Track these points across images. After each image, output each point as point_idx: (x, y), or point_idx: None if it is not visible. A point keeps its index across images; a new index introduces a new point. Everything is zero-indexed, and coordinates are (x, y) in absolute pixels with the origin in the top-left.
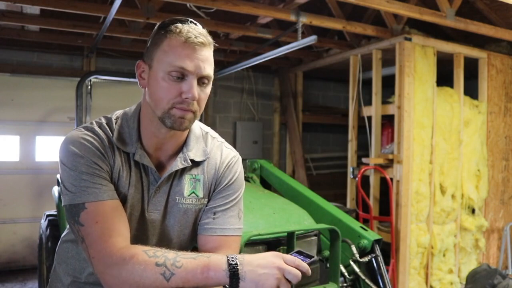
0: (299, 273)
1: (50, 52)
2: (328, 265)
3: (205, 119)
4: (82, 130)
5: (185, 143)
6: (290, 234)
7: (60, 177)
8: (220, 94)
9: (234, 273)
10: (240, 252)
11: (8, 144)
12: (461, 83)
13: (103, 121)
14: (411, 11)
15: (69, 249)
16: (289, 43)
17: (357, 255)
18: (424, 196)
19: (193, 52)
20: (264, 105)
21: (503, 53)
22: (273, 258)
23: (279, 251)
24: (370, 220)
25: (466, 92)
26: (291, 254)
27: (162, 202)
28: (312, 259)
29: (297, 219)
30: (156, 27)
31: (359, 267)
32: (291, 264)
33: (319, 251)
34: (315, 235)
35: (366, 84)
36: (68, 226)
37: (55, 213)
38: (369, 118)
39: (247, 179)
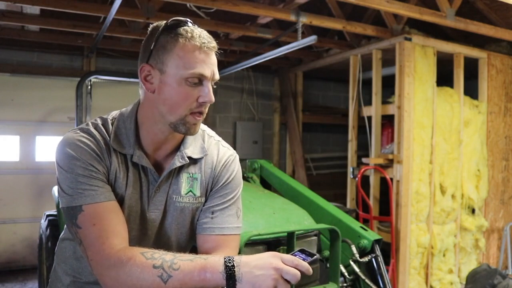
0: (298, 273)
1: (50, 52)
2: (328, 265)
3: (205, 119)
4: (78, 132)
5: (182, 141)
6: (290, 234)
7: (57, 179)
8: (220, 94)
9: (230, 275)
10: (240, 252)
11: (8, 144)
12: (461, 83)
13: (99, 122)
14: (411, 11)
15: (67, 248)
16: (289, 43)
17: (357, 255)
18: (424, 196)
19: (207, 57)
20: (264, 105)
21: (503, 53)
22: (270, 259)
23: (279, 251)
24: (370, 220)
25: (466, 92)
26: (293, 253)
27: (162, 201)
28: (313, 257)
29: (297, 219)
30: (159, 29)
31: (359, 267)
32: (290, 264)
33: (319, 251)
34: (315, 235)
35: (366, 84)
36: (65, 226)
37: (55, 213)
38: (369, 118)
39: (247, 179)
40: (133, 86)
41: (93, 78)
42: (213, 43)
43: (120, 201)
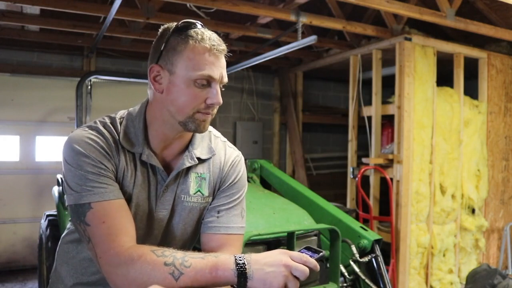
0: (307, 270)
1: (50, 52)
2: (328, 265)
3: None
4: (87, 129)
5: (190, 141)
6: (290, 234)
7: (64, 176)
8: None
9: (242, 272)
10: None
11: (8, 144)
12: (461, 83)
13: (107, 120)
14: (411, 11)
15: (70, 249)
16: (289, 43)
17: (357, 255)
18: (424, 196)
19: (216, 60)
20: (264, 105)
21: (503, 53)
22: (280, 256)
23: None
24: (370, 220)
25: (466, 92)
26: (299, 251)
27: (170, 200)
28: (320, 254)
29: (297, 219)
30: (170, 30)
31: (359, 267)
32: (298, 260)
33: None
34: (315, 235)
35: (366, 84)
36: (68, 226)
37: (55, 213)
38: (369, 118)
39: (247, 179)
40: (133, 86)
41: (93, 78)
42: (223, 46)
43: (128, 199)
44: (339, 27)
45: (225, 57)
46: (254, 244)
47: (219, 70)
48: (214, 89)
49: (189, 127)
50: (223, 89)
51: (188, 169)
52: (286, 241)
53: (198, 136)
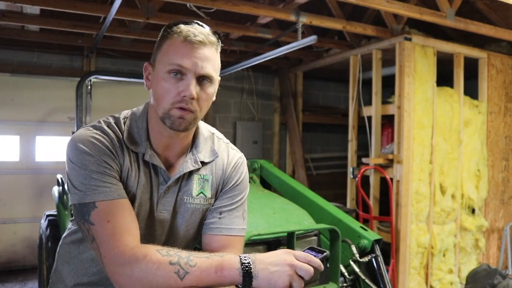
0: (311, 269)
1: (50, 52)
2: (328, 265)
3: (205, 119)
4: (91, 129)
5: (194, 143)
6: (290, 234)
7: (68, 175)
8: (220, 94)
9: (247, 272)
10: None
11: (8, 144)
12: (461, 83)
13: (111, 120)
14: (411, 11)
15: (71, 250)
16: (289, 43)
17: (357, 255)
18: (424, 196)
19: (191, 51)
20: (264, 105)
21: (503, 53)
22: (284, 255)
23: None
24: (370, 220)
25: (466, 92)
26: (303, 251)
27: (171, 202)
28: (324, 254)
29: (297, 219)
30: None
31: (359, 267)
32: (303, 260)
33: None
34: (315, 235)
35: (366, 84)
36: (69, 226)
37: (55, 213)
38: (369, 118)
39: None
40: (133, 86)
41: (93, 78)
42: (200, 37)
43: (131, 199)
44: (339, 27)
45: (220, 53)
46: (254, 244)
47: (193, 60)
48: (187, 80)
49: (166, 123)
50: (207, 82)
51: (191, 171)
52: (286, 241)
53: (201, 138)
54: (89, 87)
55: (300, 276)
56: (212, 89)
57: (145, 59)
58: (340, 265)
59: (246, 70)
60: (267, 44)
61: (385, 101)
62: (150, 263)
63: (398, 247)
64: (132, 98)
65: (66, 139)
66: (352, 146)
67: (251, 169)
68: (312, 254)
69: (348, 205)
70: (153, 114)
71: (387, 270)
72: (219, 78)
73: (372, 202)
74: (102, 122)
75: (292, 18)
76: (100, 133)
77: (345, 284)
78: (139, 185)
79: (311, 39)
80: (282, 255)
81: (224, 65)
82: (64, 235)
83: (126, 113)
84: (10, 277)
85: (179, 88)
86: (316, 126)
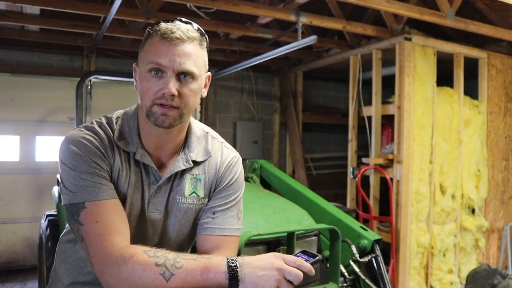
0: (301, 274)
1: (50, 52)
2: (328, 265)
3: (205, 119)
4: (83, 129)
5: (186, 143)
6: (290, 234)
7: (60, 176)
8: (220, 94)
9: (233, 275)
10: (240, 252)
11: (8, 144)
12: (461, 83)
13: (104, 120)
14: (411, 11)
15: (67, 249)
16: (289, 43)
17: (357, 255)
18: (424, 196)
19: (169, 48)
20: (264, 105)
21: (503, 53)
22: (273, 259)
23: (279, 251)
24: (370, 220)
25: (466, 92)
26: (295, 254)
27: (162, 201)
28: (316, 258)
29: (297, 219)
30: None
31: (359, 267)
32: (292, 264)
33: (319, 251)
34: (315, 235)
35: (366, 84)
36: (66, 226)
37: (55, 213)
38: (369, 118)
39: (247, 179)
40: (133, 86)
41: (93, 78)
42: (178, 34)
43: (122, 199)
44: (339, 27)
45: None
46: (254, 244)
47: (170, 57)
48: (166, 78)
49: (151, 120)
50: (189, 78)
51: (183, 170)
52: (286, 241)
53: (194, 137)
54: (89, 87)
55: (289, 281)
56: (196, 85)
57: None
58: (340, 265)
59: (246, 70)
60: (267, 44)
61: (385, 101)
62: (137, 264)
63: (398, 247)
64: (132, 98)
65: None
66: (352, 146)
67: (251, 169)
68: (303, 258)
69: (348, 205)
70: (142, 113)
71: (387, 270)
72: (209, 73)
73: (372, 202)
74: (95, 123)
75: (292, 18)
76: (91, 134)
77: (345, 284)
78: (130, 184)
79: (311, 39)
80: (270, 258)
81: (224, 65)
82: (61, 234)
83: (119, 113)
84: (10, 277)
85: (158, 86)
86: (316, 126)
